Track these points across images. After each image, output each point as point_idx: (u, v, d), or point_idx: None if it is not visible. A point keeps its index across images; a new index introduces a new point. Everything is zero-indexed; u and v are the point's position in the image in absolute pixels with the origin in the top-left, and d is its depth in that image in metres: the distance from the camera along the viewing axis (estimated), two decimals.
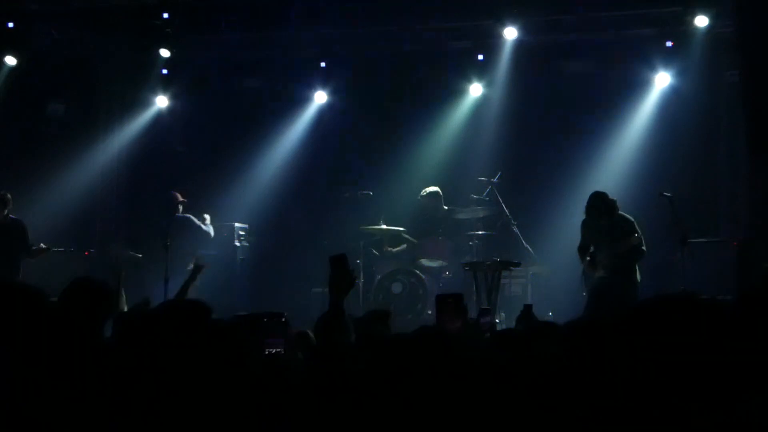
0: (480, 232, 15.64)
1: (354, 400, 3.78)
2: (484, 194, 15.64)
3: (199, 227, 15.68)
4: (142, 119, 17.81)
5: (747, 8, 12.45)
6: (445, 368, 3.71)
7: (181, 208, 15.48)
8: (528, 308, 9.09)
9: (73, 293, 5.48)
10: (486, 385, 3.77)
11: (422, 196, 15.99)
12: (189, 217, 15.63)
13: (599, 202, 12.45)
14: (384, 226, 15.93)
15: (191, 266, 12.65)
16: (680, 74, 16.03)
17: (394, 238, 16.22)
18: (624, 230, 12.29)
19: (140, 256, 14.83)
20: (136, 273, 15.22)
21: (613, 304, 11.74)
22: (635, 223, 12.45)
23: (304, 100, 18.16)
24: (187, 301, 4.87)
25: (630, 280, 12.27)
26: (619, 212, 12.45)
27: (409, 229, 16.09)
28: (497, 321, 12.82)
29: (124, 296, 10.34)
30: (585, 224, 12.79)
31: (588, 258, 12.64)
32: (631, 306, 3.17)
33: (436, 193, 15.96)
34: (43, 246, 14.12)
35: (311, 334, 6.51)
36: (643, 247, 12.38)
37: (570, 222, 13.41)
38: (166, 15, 15.99)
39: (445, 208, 15.98)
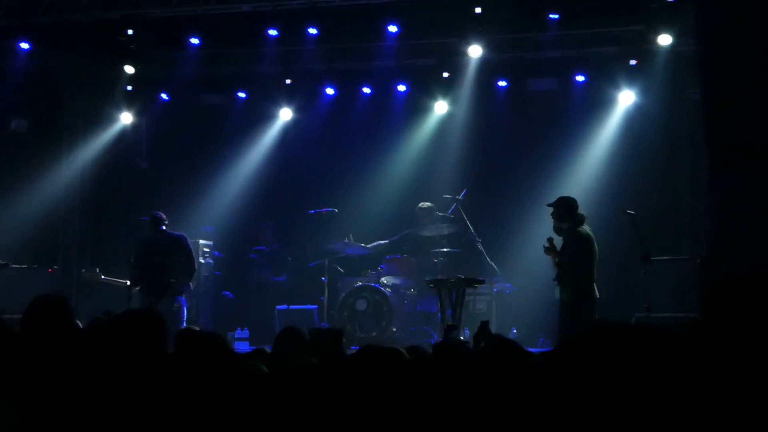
0: (445, 250, 15.65)
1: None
2: (449, 211, 15.66)
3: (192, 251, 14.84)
4: (106, 136, 17.68)
5: (708, 27, 12.52)
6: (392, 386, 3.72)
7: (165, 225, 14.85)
8: (484, 324, 9.12)
9: (34, 310, 5.45)
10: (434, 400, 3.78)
11: (420, 209, 15.95)
12: (184, 236, 14.84)
13: (559, 208, 12.23)
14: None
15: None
16: (644, 92, 16.10)
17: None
18: (565, 246, 12.07)
19: (126, 282, 14.36)
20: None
21: (569, 321, 11.68)
22: (578, 244, 12.01)
23: (269, 116, 18.16)
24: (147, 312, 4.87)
25: (575, 299, 11.93)
26: (578, 229, 12.09)
27: (396, 239, 16.14)
28: (461, 338, 12.82)
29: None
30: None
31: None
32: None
33: (430, 208, 15.94)
34: (1, 262, 13.98)
35: (267, 351, 6.50)
36: (574, 263, 11.90)
37: (534, 239, 13.39)
38: (130, 31, 15.92)
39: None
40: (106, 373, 4.07)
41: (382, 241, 16.25)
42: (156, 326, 4.57)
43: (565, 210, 12.20)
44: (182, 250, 14.49)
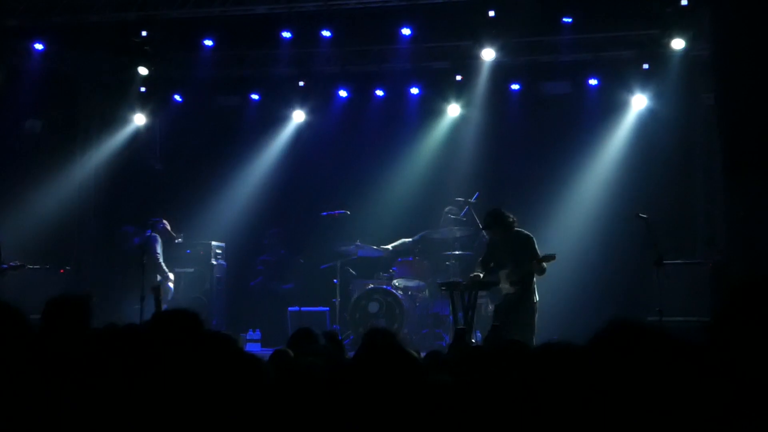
0: (457, 252, 15.65)
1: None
2: (461, 214, 15.65)
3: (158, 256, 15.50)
4: (120, 136, 17.74)
5: (722, 31, 12.53)
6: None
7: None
8: (495, 328, 9.12)
9: (52, 311, 5.46)
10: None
11: (444, 212, 15.98)
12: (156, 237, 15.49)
13: (490, 220, 12.50)
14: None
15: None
16: (657, 96, 16.08)
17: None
18: (523, 249, 12.21)
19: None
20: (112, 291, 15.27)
21: (515, 321, 11.82)
22: (533, 241, 12.34)
23: (282, 118, 18.17)
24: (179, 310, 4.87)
25: (529, 299, 12.20)
26: (517, 229, 12.36)
27: (418, 238, 16.19)
28: (473, 341, 12.81)
29: None
30: (489, 240, 12.84)
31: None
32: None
33: (449, 211, 15.99)
34: (18, 263, 13.99)
35: (290, 352, 6.50)
36: (544, 265, 12.18)
37: (546, 242, 13.38)
38: (144, 33, 15.96)
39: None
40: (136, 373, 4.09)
41: (407, 239, 16.27)
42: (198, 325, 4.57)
43: (503, 220, 12.41)
44: (147, 251, 14.81)
